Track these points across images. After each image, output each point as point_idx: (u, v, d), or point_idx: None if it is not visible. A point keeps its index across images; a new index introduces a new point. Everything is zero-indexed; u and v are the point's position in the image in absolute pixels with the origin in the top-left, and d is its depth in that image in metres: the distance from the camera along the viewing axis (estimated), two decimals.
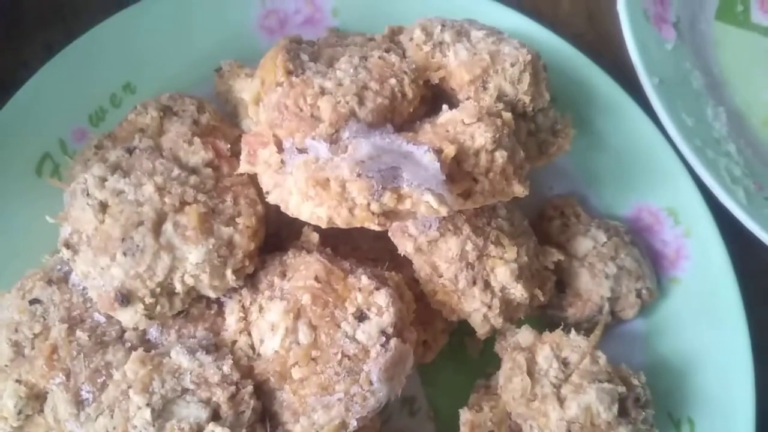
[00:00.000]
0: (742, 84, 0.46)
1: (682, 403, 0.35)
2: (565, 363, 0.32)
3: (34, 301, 0.29)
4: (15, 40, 0.39)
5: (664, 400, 0.35)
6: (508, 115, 0.33)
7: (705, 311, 0.36)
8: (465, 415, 0.32)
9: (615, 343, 0.36)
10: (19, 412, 0.28)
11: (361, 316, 0.28)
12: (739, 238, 0.38)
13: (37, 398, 0.28)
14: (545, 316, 0.35)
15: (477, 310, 0.31)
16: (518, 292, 0.32)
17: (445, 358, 0.35)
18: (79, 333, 0.28)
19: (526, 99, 0.33)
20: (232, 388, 0.27)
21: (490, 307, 0.31)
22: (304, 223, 0.33)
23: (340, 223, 0.28)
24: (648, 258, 0.37)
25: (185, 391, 0.26)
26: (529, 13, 0.41)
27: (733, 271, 0.37)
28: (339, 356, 0.27)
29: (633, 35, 0.40)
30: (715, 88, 0.45)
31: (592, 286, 0.34)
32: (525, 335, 0.32)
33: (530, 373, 0.31)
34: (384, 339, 0.28)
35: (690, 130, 0.39)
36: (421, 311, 0.32)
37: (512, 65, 0.33)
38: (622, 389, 0.31)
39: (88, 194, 0.28)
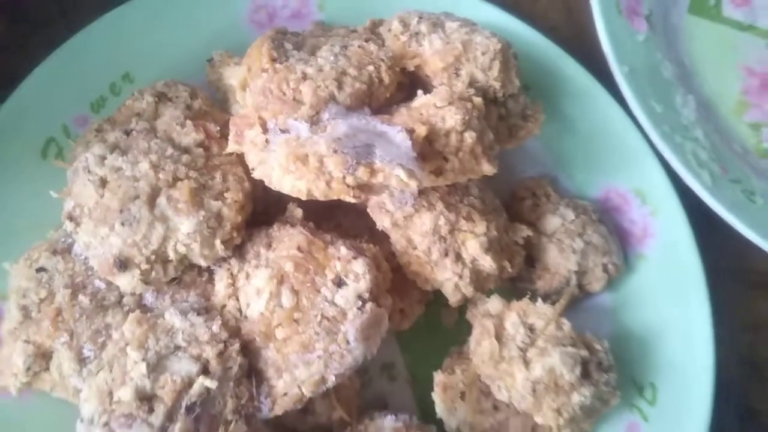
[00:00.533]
0: (712, 74, 0.48)
1: (645, 370, 0.37)
2: (531, 329, 0.34)
3: (40, 270, 0.31)
4: (19, 36, 0.40)
5: (629, 367, 0.37)
6: (478, 100, 0.35)
7: (669, 286, 0.38)
8: (438, 378, 0.34)
9: (583, 315, 0.38)
10: (28, 369, 0.30)
11: (339, 282, 0.30)
12: (704, 219, 0.40)
13: (43, 357, 0.30)
14: (516, 289, 0.37)
15: (449, 279, 0.34)
16: (487, 263, 0.34)
17: (422, 328, 0.37)
18: (81, 297, 0.30)
19: (497, 85, 0.36)
20: (221, 346, 0.29)
21: (461, 277, 0.33)
22: (289, 201, 0.36)
23: (318, 195, 0.30)
24: (615, 235, 0.39)
25: (177, 348, 0.28)
26: (508, 7, 0.43)
27: (697, 249, 0.38)
28: (319, 318, 0.30)
29: (605, 26, 0.43)
30: (685, 78, 0.47)
31: (560, 260, 0.37)
32: (494, 303, 0.34)
33: (498, 337, 0.33)
34: (360, 303, 0.30)
35: (659, 116, 0.41)
36: (398, 282, 0.35)
37: (483, 54, 0.36)
38: (585, 353, 0.33)
39: (89, 171, 0.30)
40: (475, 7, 0.42)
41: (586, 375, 0.33)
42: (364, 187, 0.31)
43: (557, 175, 0.41)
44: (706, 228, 0.40)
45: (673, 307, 0.38)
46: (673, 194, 0.40)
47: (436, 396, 0.35)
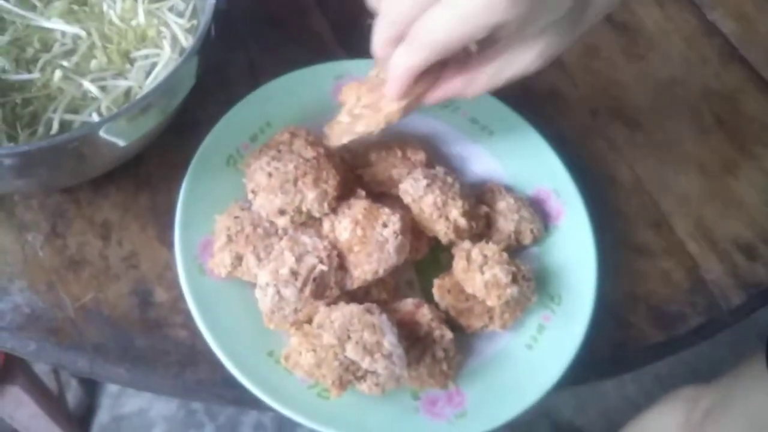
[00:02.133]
0: None
1: (556, 287, 0.55)
2: (485, 256, 0.51)
3: (236, 217, 0.50)
4: (200, 97, 0.55)
5: (547, 284, 0.55)
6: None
7: (572, 242, 0.57)
8: (436, 282, 0.52)
9: (519, 257, 0.55)
10: (231, 264, 0.49)
11: (384, 225, 0.49)
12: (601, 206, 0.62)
13: (239, 259, 0.49)
14: (479, 239, 0.55)
15: (441, 230, 0.51)
16: (462, 223, 0.51)
17: (428, 259, 0.55)
18: (258, 230, 0.49)
19: None
20: (327, 252, 0.48)
21: (447, 229, 0.51)
22: (357, 189, 0.62)
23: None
24: (539, 214, 0.59)
25: (307, 252, 0.53)
26: None
27: (590, 222, 0.57)
28: (374, 241, 0.48)
29: None
30: None
31: (504, 225, 0.55)
32: (466, 243, 0.51)
33: (467, 259, 0.50)
34: (395, 235, 0.49)
35: None
36: (415, 232, 0.52)
37: None
38: (514, 269, 0.50)
39: (262, 168, 0.54)
40: None
41: (515, 280, 0.50)
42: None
43: (507, 181, 0.60)
44: (603, 214, 0.62)
45: (574, 253, 0.57)
46: (576, 192, 0.61)
47: (435, 292, 0.51)
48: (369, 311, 0.47)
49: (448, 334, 0.49)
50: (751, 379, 0.80)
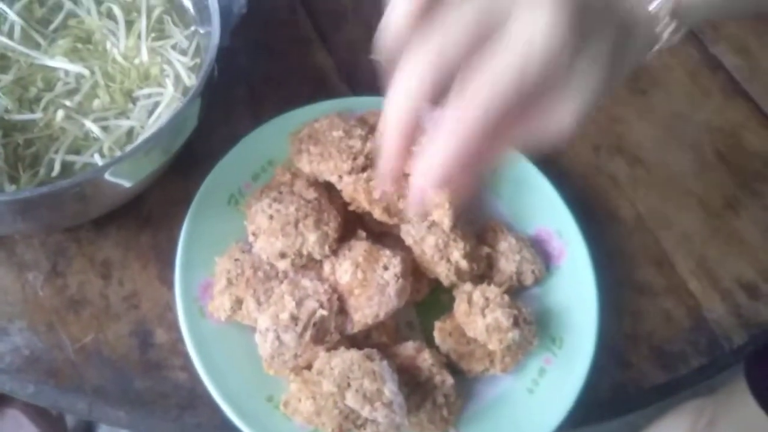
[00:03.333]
0: None
1: (557, 329, 0.55)
2: (486, 298, 0.50)
3: (236, 260, 0.50)
4: (201, 133, 0.55)
5: (548, 327, 0.54)
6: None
7: (573, 283, 0.58)
8: (437, 325, 0.52)
9: (521, 298, 0.55)
10: (231, 308, 0.48)
11: (385, 267, 0.49)
12: (602, 247, 0.62)
13: (239, 302, 0.48)
14: (481, 281, 0.55)
15: (442, 272, 0.51)
16: (463, 265, 0.51)
17: (429, 301, 0.55)
18: (258, 273, 0.49)
19: None
20: (328, 295, 0.48)
21: (449, 271, 0.51)
22: (358, 229, 0.63)
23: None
24: (541, 255, 0.59)
25: (307, 295, 0.54)
26: None
27: (591, 263, 0.57)
28: (375, 284, 0.48)
29: None
30: None
31: (506, 266, 0.55)
32: (467, 285, 0.51)
33: (468, 302, 0.51)
34: (396, 278, 0.48)
35: None
36: (416, 273, 0.52)
37: None
38: (515, 312, 0.50)
39: (263, 211, 0.54)
40: None
41: (516, 323, 0.50)
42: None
43: (508, 220, 0.60)
44: (604, 252, 0.61)
45: (575, 294, 0.57)
46: (578, 233, 0.61)
47: (436, 335, 0.51)
48: (369, 358, 0.46)
49: (449, 380, 0.49)
50: (742, 391, 0.81)
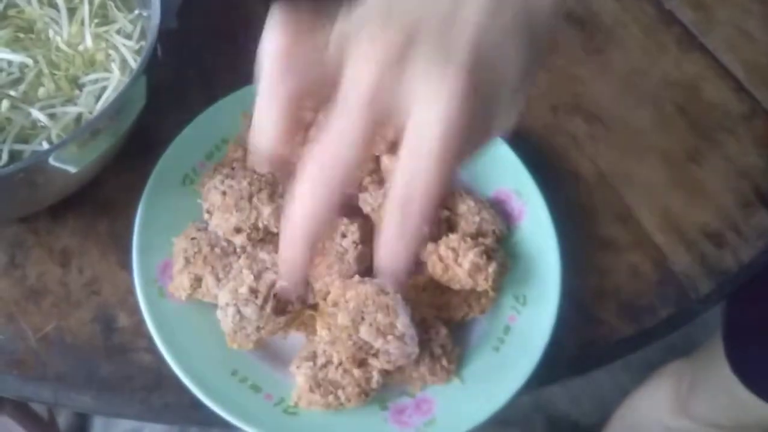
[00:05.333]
0: None
1: (521, 288, 0.56)
2: (453, 249, 0.51)
3: (193, 238, 0.50)
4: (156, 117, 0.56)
5: (512, 286, 0.55)
6: None
7: (535, 241, 0.59)
8: (408, 284, 0.51)
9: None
10: (190, 286, 0.49)
11: (343, 235, 0.50)
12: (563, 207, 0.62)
13: (198, 280, 0.48)
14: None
15: None
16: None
17: None
18: (215, 250, 0.50)
19: None
20: None
21: None
22: None
23: None
24: (501, 215, 0.60)
25: (266, 268, 0.55)
26: None
27: (551, 220, 0.59)
28: (335, 252, 0.49)
29: None
30: None
31: (466, 228, 0.57)
32: (429, 246, 0.52)
33: (440, 260, 0.52)
34: (354, 245, 0.49)
35: None
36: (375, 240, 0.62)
37: None
38: (483, 247, 0.52)
39: (216, 188, 0.55)
40: None
41: (489, 256, 0.51)
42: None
43: (467, 182, 0.62)
44: (567, 210, 0.63)
45: (538, 253, 0.59)
46: (537, 191, 0.61)
47: (409, 293, 0.50)
48: (383, 291, 0.47)
49: (443, 330, 0.50)
50: (720, 358, 0.82)
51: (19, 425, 1.04)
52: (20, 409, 0.87)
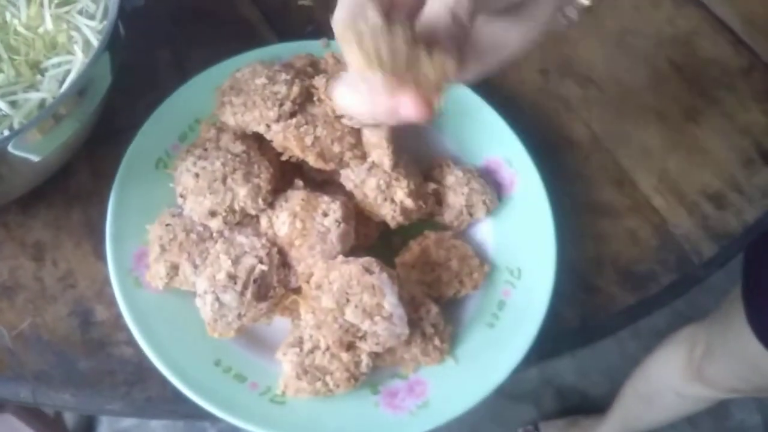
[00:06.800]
0: None
1: (515, 260, 0.54)
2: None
3: (168, 225, 0.48)
4: (127, 101, 0.58)
5: (505, 258, 0.53)
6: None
7: (527, 212, 0.56)
8: (397, 261, 0.52)
9: (475, 230, 0.56)
10: (167, 275, 0.48)
11: (324, 214, 0.48)
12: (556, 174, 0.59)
13: (174, 268, 0.47)
14: (432, 218, 0.56)
15: (387, 213, 0.50)
16: (408, 203, 0.50)
17: (380, 248, 0.53)
18: (191, 235, 0.48)
19: None
20: (267, 249, 0.49)
21: (394, 212, 0.51)
22: (295, 179, 0.60)
23: None
24: (491, 185, 0.57)
25: (245, 252, 0.52)
26: None
27: (544, 189, 0.56)
28: (316, 233, 0.47)
29: None
30: None
31: (455, 199, 0.54)
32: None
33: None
34: (337, 224, 0.48)
35: None
36: (362, 218, 0.51)
37: None
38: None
39: (188, 170, 0.53)
40: None
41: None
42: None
43: (455, 154, 0.60)
44: (561, 177, 0.61)
45: (531, 223, 0.57)
46: (529, 159, 0.59)
47: (399, 271, 0.51)
48: (368, 270, 0.45)
49: (434, 308, 0.49)
50: (738, 321, 0.80)
51: (24, 423, 1.02)
52: (24, 408, 0.85)
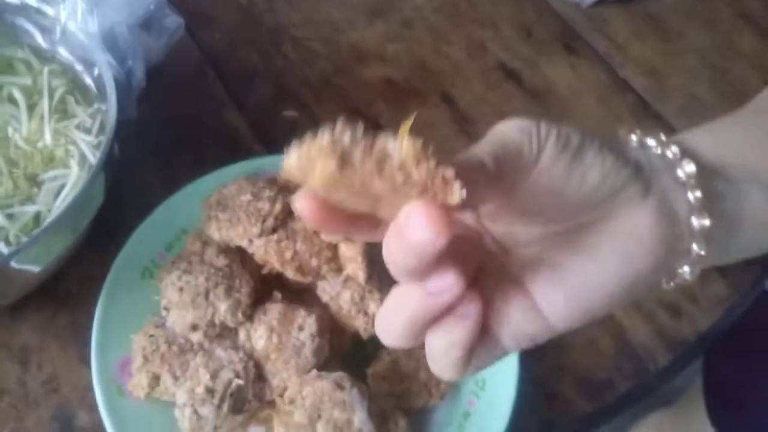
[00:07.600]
0: None
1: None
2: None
3: (151, 336, 0.51)
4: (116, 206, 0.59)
5: None
6: None
7: None
8: (369, 373, 0.53)
9: None
10: (148, 385, 0.49)
11: (300, 328, 0.52)
12: None
13: (156, 379, 0.49)
14: None
15: (360, 325, 0.53)
16: None
17: (354, 355, 0.56)
18: (173, 347, 0.54)
19: None
20: (243, 363, 0.53)
21: (367, 324, 0.53)
22: (273, 291, 0.63)
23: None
24: None
25: (222, 366, 0.55)
26: None
27: None
28: (291, 347, 0.50)
29: None
30: None
31: None
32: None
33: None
34: (312, 338, 0.51)
35: None
36: (337, 327, 0.54)
37: None
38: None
39: (173, 284, 0.58)
40: None
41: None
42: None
43: None
44: None
45: None
46: None
47: (370, 382, 0.53)
48: (340, 386, 0.48)
49: (402, 421, 0.50)
50: (700, 419, 0.83)
51: None
52: None
